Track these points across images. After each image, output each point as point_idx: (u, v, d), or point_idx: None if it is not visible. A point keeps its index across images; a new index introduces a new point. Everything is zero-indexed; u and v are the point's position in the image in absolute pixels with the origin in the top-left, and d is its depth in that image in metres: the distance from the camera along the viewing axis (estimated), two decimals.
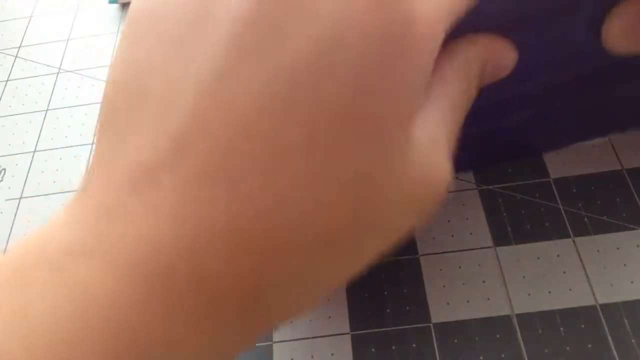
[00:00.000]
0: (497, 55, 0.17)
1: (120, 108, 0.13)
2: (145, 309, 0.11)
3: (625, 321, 0.27)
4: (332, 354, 0.28)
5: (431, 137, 0.14)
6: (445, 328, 0.28)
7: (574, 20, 0.20)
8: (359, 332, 0.28)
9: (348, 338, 0.28)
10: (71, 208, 0.13)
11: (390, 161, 0.13)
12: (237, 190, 0.11)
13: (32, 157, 0.38)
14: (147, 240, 0.11)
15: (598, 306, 0.28)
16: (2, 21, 0.48)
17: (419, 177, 0.13)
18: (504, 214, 0.31)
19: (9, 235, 0.34)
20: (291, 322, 0.14)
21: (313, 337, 0.28)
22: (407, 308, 0.29)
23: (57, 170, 0.37)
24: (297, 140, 0.12)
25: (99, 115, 0.14)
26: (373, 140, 0.12)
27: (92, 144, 0.38)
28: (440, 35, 0.14)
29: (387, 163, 0.13)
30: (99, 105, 0.41)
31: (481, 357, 0.27)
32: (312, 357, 0.28)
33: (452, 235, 0.31)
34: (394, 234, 0.14)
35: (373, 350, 0.28)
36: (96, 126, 0.13)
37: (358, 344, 0.28)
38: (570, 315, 0.27)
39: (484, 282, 0.29)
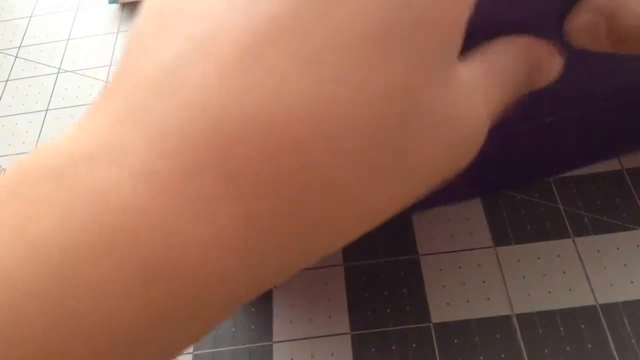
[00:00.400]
0: (542, 58, 0.16)
1: (148, 26, 0.12)
2: (164, 213, 0.10)
3: (625, 321, 0.27)
4: (332, 354, 0.28)
5: (475, 84, 0.14)
6: (445, 328, 0.28)
7: None
8: (359, 332, 0.28)
9: (348, 338, 0.28)
10: (82, 120, 0.11)
11: (436, 84, 0.12)
12: (261, 87, 0.11)
13: None
14: (164, 139, 0.10)
15: (598, 306, 0.28)
16: (2, 21, 0.48)
17: (462, 110, 0.13)
18: (504, 214, 0.31)
19: None
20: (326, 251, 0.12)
21: (313, 337, 0.28)
22: (407, 308, 0.29)
23: None
24: (348, 40, 0.11)
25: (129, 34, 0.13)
26: (422, 59, 0.12)
27: None
28: None
29: (433, 85, 0.12)
30: None
31: (481, 357, 0.27)
32: (312, 357, 0.28)
33: (452, 235, 0.31)
34: (435, 165, 0.13)
35: (373, 350, 0.28)
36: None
37: (358, 344, 0.28)
38: (570, 315, 0.27)
39: (484, 282, 0.29)
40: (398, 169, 0.12)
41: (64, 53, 0.44)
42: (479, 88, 0.14)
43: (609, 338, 0.27)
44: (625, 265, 0.29)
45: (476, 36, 0.14)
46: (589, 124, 0.28)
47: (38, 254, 0.09)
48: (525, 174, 0.32)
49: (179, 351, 0.11)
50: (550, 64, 0.16)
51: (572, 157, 0.31)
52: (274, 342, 0.29)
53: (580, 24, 0.16)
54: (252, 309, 0.30)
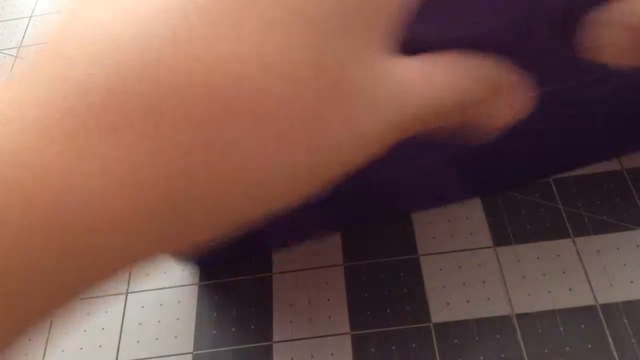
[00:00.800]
0: (507, 86, 0.15)
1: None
2: (65, 167, 0.10)
3: (625, 321, 0.27)
4: (332, 354, 0.28)
5: (408, 79, 0.14)
6: (445, 328, 0.28)
7: None
8: (359, 332, 0.28)
9: (348, 338, 0.28)
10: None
11: (362, 65, 0.12)
12: (177, 37, 0.11)
13: None
14: (63, 95, 0.11)
15: (598, 306, 0.28)
16: (2, 21, 0.48)
17: (387, 96, 0.13)
18: (504, 214, 0.31)
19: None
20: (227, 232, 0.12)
21: (313, 337, 0.28)
22: (407, 308, 0.29)
23: None
24: (277, 12, 0.11)
25: None
26: (353, 39, 0.12)
27: None
28: None
29: (359, 64, 0.12)
30: None
31: (481, 357, 0.27)
32: (312, 357, 0.28)
33: (452, 235, 0.31)
34: (355, 142, 0.13)
35: (373, 350, 0.28)
36: None
37: (358, 344, 0.28)
38: (570, 315, 0.27)
39: (484, 282, 0.29)
40: (316, 139, 0.12)
41: None
42: (413, 84, 0.14)
43: (609, 338, 0.27)
44: (625, 265, 0.29)
45: (423, 44, 0.14)
46: (584, 126, 0.28)
47: None
48: (523, 175, 0.32)
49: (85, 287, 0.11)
50: (516, 97, 0.15)
51: (568, 158, 0.31)
52: (274, 342, 0.29)
53: (600, 39, 0.15)
54: (252, 309, 0.30)
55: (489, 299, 0.28)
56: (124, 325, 0.30)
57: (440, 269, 0.30)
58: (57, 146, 0.10)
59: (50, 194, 0.10)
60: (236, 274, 0.31)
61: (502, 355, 0.27)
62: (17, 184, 0.10)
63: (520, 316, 0.28)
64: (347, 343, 0.28)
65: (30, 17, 0.48)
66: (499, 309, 0.28)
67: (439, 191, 0.31)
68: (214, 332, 0.29)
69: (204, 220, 0.12)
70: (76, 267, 0.11)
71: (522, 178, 0.32)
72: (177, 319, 0.30)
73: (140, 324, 0.30)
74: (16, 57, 0.45)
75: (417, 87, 0.14)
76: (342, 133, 0.13)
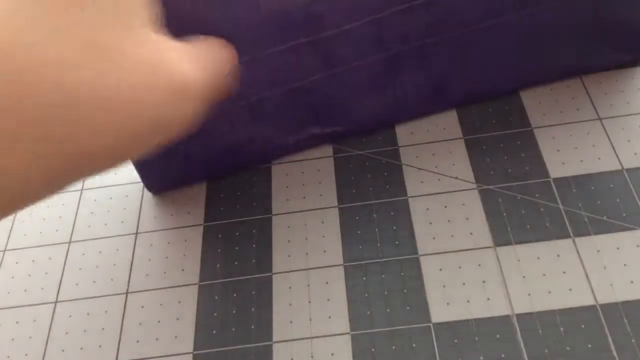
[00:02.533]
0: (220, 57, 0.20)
1: None
2: None
3: (625, 321, 0.27)
4: (332, 354, 0.28)
5: (178, 52, 0.17)
6: (445, 328, 0.28)
7: None
8: (359, 332, 0.28)
9: (348, 338, 0.28)
10: None
11: (129, 38, 0.15)
12: None
13: None
14: None
15: (598, 306, 0.28)
16: None
17: (153, 63, 0.16)
18: (504, 214, 0.31)
19: (9, 230, 0.35)
20: None
21: (313, 337, 0.28)
22: (407, 308, 0.29)
23: None
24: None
25: None
26: (115, 18, 0.15)
27: None
28: None
29: (126, 37, 0.15)
30: None
31: (481, 357, 0.27)
32: (312, 357, 0.28)
33: (452, 235, 0.31)
34: (138, 105, 0.15)
35: (373, 350, 0.28)
36: None
37: (358, 344, 0.28)
38: (570, 315, 0.27)
39: (484, 282, 0.29)
40: (101, 105, 0.14)
41: None
42: (184, 57, 0.17)
43: (609, 338, 0.27)
44: (625, 265, 0.29)
45: (181, 31, 0.18)
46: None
47: None
48: (374, 119, 0.35)
49: None
50: (229, 66, 0.20)
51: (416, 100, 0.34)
52: (274, 342, 0.29)
53: None
54: (252, 309, 0.30)
55: (489, 299, 0.28)
56: (124, 325, 0.30)
57: (440, 269, 0.30)
58: None
59: None
60: (236, 274, 0.31)
61: (502, 355, 0.27)
62: None
63: (520, 316, 0.28)
64: (347, 343, 0.28)
65: None
66: (499, 309, 0.28)
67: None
68: (214, 332, 0.29)
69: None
70: None
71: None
72: (177, 319, 0.30)
73: (140, 324, 0.30)
74: None
75: (192, 61, 0.17)
76: (123, 96, 0.15)
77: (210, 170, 0.35)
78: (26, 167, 0.13)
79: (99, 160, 0.15)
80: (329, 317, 0.29)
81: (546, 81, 0.36)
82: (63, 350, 0.30)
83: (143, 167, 0.33)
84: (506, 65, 0.34)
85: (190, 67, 0.17)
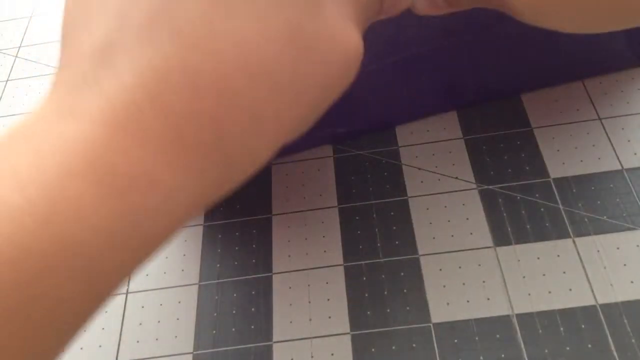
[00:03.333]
0: None
1: (78, 15, 0.15)
2: (121, 145, 0.13)
3: (625, 321, 0.27)
4: (332, 354, 0.28)
5: (342, 12, 0.17)
6: (445, 328, 0.28)
7: None
8: (359, 332, 0.28)
9: (348, 338, 0.28)
10: (47, 92, 0.15)
11: (314, 14, 0.16)
12: (181, 37, 0.14)
13: None
14: (112, 95, 0.13)
15: (598, 306, 0.28)
16: (2, 21, 0.48)
17: (338, 34, 0.16)
18: (504, 214, 0.31)
19: None
20: (252, 169, 0.17)
21: (313, 337, 0.28)
22: (407, 308, 0.29)
23: None
24: None
25: (61, 27, 0.16)
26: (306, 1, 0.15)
27: None
28: None
29: (312, 15, 0.15)
30: None
31: (481, 357, 0.27)
32: (312, 357, 0.28)
33: (452, 235, 0.31)
34: (327, 80, 0.16)
35: (373, 350, 0.28)
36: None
37: (358, 344, 0.28)
38: (570, 315, 0.27)
39: (484, 282, 0.29)
40: (300, 88, 0.15)
41: None
42: (346, 15, 0.17)
43: (609, 338, 0.27)
44: (625, 265, 0.29)
45: None
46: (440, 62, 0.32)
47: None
48: (377, 119, 0.35)
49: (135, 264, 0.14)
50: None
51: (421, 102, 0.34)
52: (274, 342, 0.29)
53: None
54: (252, 309, 0.30)
55: (489, 299, 0.28)
56: (124, 325, 0.30)
57: (440, 269, 0.30)
58: (117, 131, 0.13)
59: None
60: (236, 274, 0.31)
61: (502, 355, 0.27)
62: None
63: (520, 316, 0.28)
64: (347, 343, 0.28)
65: (31, 17, 0.48)
66: (499, 309, 0.28)
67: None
68: (214, 332, 0.29)
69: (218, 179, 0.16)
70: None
71: (375, 123, 0.35)
72: (177, 319, 0.30)
73: (140, 324, 0.30)
74: (16, 57, 0.45)
75: (350, 14, 0.17)
76: (317, 76, 0.16)
77: None
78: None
79: (287, 132, 0.16)
80: (329, 317, 0.29)
81: (551, 84, 0.36)
82: None
83: None
84: (512, 69, 0.34)
85: (353, 32, 0.17)
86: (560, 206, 0.31)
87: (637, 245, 0.29)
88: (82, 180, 0.13)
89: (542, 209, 0.31)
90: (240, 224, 0.33)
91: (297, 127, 0.16)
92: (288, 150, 0.35)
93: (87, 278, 0.13)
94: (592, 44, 0.33)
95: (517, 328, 0.27)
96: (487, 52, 0.32)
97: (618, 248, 0.29)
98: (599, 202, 0.31)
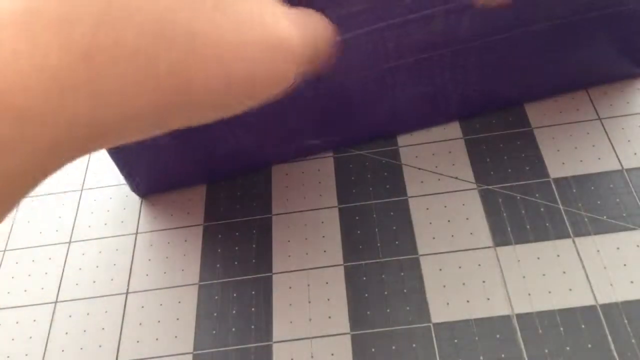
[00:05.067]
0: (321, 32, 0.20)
1: None
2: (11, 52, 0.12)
3: (625, 321, 0.27)
4: (332, 354, 0.28)
5: (289, 19, 0.18)
6: (445, 328, 0.28)
7: None
8: (359, 332, 0.28)
9: (348, 338, 0.28)
10: None
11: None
12: None
13: None
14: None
15: (598, 306, 0.28)
16: None
17: (251, 18, 0.16)
18: (504, 214, 0.31)
19: (9, 230, 0.35)
20: None
21: (313, 337, 0.28)
22: (407, 308, 0.29)
23: None
24: None
25: None
26: None
27: None
28: None
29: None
30: None
31: (481, 357, 0.27)
32: (312, 357, 0.28)
33: (452, 235, 0.31)
34: (252, 56, 0.16)
35: (373, 350, 0.28)
36: None
37: (358, 344, 0.28)
38: (570, 315, 0.27)
39: (484, 282, 0.29)
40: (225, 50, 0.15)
41: None
42: (294, 23, 0.18)
43: (609, 338, 0.27)
44: (625, 265, 0.29)
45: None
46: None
47: None
48: (379, 129, 0.35)
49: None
50: (327, 39, 0.20)
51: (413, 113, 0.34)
52: (274, 342, 0.29)
53: None
54: (252, 309, 0.30)
55: (489, 299, 0.28)
56: (124, 325, 0.30)
57: (440, 269, 0.30)
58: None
59: None
60: (236, 274, 0.31)
61: (502, 355, 0.27)
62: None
63: (520, 316, 0.28)
64: (347, 343, 0.28)
65: None
66: (499, 309, 0.28)
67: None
68: (214, 332, 0.29)
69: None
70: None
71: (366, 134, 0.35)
72: (177, 319, 0.30)
73: (140, 324, 0.30)
74: None
75: (299, 27, 0.18)
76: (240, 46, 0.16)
77: (205, 177, 0.35)
78: (142, 84, 0.14)
79: (203, 107, 0.16)
80: (329, 317, 0.29)
81: (552, 94, 0.35)
82: (63, 350, 0.30)
83: (132, 171, 0.33)
84: (513, 80, 0.33)
85: (286, 26, 0.17)
86: (560, 206, 0.31)
87: (637, 245, 0.29)
88: None
89: (542, 209, 0.31)
90: (240, 224, 0.33)
91: (183, 93, 0.16)
92: (287, 158, 0.35)
93: None
94: (594, 54, 0.33)
95: (517, 328, 0.27)
96: (489, 62, 0.32)
97: (618, 248, 0.29)
98: (598, 202, 0.31)
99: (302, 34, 0.18)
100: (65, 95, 0.13)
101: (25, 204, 0.36)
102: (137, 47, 0.14)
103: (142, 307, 0.31)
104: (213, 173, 0.35)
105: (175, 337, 0.29)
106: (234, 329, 0.29)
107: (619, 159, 0.32)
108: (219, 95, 0.16)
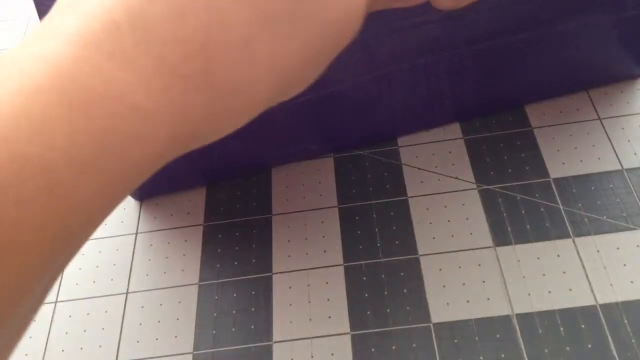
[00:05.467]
0: None
1: None
2: (94, 64, 0.13)
3: (625, 321, 0.27)
4: (332, 354, 0.28)
5: None
6: (445, 328, 0.28)
7: None
8: (359, 332, 0.28)
9: (348, 338, 0.28)
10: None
11: None
12: None
13: None
14: (90, 14, 0.13)
15: (598, 306, 0.28)
16: (2, 21, 0.48)
17: None
18: (504, 214, 0.31)
19: None
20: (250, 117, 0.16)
21: (313, 337, 0.28)
22: (407, 308, 0.29)
23: None
24: None
25: None
26: None
27: None
28: None
29: None
30: None
31: (481, 357, 0.27)
32: (312, 357, 0.28)
33: (452, 235, 0.31)
34: (324, 28, 0.16)
35: (373, 350, 0.28)
36: None
37: (358, 344, 0.28)
38: (570, 315, 0.27)
39: (484, 282, 0.29)
40: (296, 24, 0.15)
41: None
42: None
43: (609, 338, 0.27)
44: (625, 265, 0.29)
45: None
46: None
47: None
48: (379, 131, 0.35)
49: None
50: None
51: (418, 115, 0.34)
52: (274, 342, 0.29)
53: None
54: (252, 309, 0.30)
55: (489, 299, 0.28)
56: (124, 325, 0.30)
57: (440, 269, 0.30)
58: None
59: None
60: (236, 274, 0.31)
61: (502, 355, 0.27)
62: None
63: (520, 316, 0.28)
64: (347, 343, 0.28)
65: (31, 17, 0.48)
66: (499, 309, 0.28)
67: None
68: (214, 332, 0.29)
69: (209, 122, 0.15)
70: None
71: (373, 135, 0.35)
72: (177, 319, 0.30)
73: (140, 324, 0.30)
74: None
75: None
76: (317, 21, 0.15)
77: (205, 179, 0.35)
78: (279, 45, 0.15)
79: (307, 78, 0.16)
80: (329, 317, 0.29)
81: (552, 95, 0.35)
82: (63, 350, 0.30)
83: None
84: (514, 82, 0.33)
85: None
86: (560, 206, 0.31)
87: (637, 245, 0.29)
88: (47, 98, 0.12)
89: (542, 209, 0.31)
90: (240, 224, 0.33)
91: (291, 75, 0.16)
92: (285, 162, 0.35)
93: (56, 202, 0.12)
94: (594, 55, 0.33)
95: (517, 328, 0.27)
96: (488, 65, 0.32)
97: (618, 248, 0.29)
98: (598, 202, 0.31)
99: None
100: (182, 89, 0.13)
101: None
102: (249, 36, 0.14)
103: (142, 307, 0.31)
104: (212, 176, 0.35)
105: (175, 337, 0.29)
106: (234, 329, 0.29)
107: (619, 159, 0.32)
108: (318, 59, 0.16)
